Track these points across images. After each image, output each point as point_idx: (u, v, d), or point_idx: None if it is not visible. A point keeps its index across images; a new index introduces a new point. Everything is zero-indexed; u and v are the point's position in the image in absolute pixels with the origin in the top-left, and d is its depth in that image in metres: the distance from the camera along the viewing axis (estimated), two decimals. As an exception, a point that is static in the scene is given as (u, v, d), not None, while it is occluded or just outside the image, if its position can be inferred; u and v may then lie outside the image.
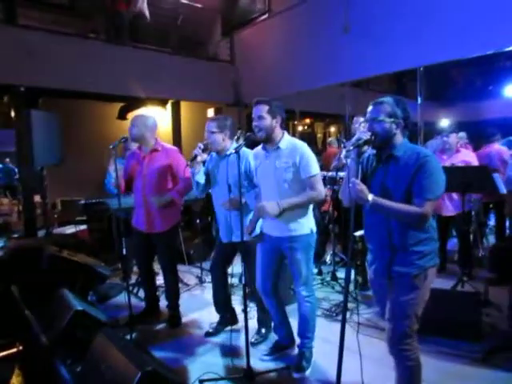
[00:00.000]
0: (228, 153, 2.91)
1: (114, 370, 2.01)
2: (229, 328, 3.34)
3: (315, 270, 4.71)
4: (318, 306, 2.98)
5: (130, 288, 4.16)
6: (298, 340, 2.90)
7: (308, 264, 2.78)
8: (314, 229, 2.81)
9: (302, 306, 2.82)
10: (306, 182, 2.66)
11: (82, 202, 5.08)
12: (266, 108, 2.65)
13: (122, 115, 7.66)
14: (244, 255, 3.01)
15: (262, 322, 3.28)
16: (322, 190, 2.68)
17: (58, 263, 3.64)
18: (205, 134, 3.13)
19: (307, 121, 10.98)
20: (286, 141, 2.72)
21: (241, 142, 2.55)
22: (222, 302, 3.39)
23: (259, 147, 2.87)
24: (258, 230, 2.99)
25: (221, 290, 3.36)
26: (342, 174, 4.09)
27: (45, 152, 4.55)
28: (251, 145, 2.87)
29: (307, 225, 2.75)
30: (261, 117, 2.65)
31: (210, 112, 8.02)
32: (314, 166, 2.67)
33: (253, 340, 3.16)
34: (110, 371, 2.01)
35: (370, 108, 2.07)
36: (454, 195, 4.28)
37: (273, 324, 3.10)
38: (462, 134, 5.52)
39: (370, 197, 1.92)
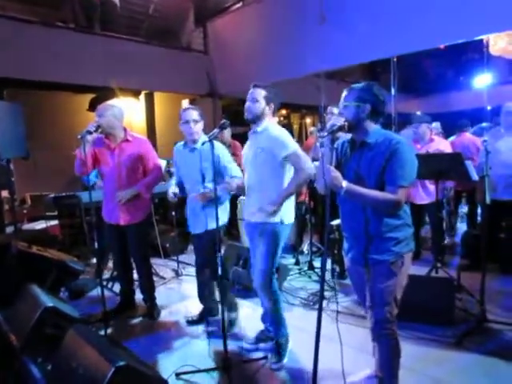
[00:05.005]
0: (201, 142, 2.85)
1: (86, 366, 1.94)
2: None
3: (292, 260, 4.73)
4: (280, 298, 2.79)
5: (105, 283, 4.07)
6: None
7: (273, 256, 2.64)
8: (288, 220, 2.67)
9: (264, 301, 2.77)
10: (289, 162, 2.57)
11: (52, 195, 4.91)
12: (263, 93, 2.62)
13: (93, 107, 7.43)
14: (207, 245, 2.99)
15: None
16: (308, 165, 2.56)
17: (26, 259, 3.53)
18: (182, 124, 3.03)
19: (283, 112, 10.94)
20: (264, 125, 2.65)
21: (215, 130, 2.48)
22: (205, 296, 3.34)
23: None
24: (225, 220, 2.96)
25: (205, 287, 3.30)
26: (317, 163, 4.09)
27: (10, 144, 4.37)
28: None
29: (278, 213, 2.59)
30: (256, 100, 2.61)
31: (185, 103, 7.88)
32: (289, 143, 2.57)
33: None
34: (82, 368, 1.95)
35: (343, 94, 2.10)
36: (428, 183, 4.35)
37: (262, 312, 3.01)
38: (436, 125, 5.68)
39: (344, 183, 1.92)
